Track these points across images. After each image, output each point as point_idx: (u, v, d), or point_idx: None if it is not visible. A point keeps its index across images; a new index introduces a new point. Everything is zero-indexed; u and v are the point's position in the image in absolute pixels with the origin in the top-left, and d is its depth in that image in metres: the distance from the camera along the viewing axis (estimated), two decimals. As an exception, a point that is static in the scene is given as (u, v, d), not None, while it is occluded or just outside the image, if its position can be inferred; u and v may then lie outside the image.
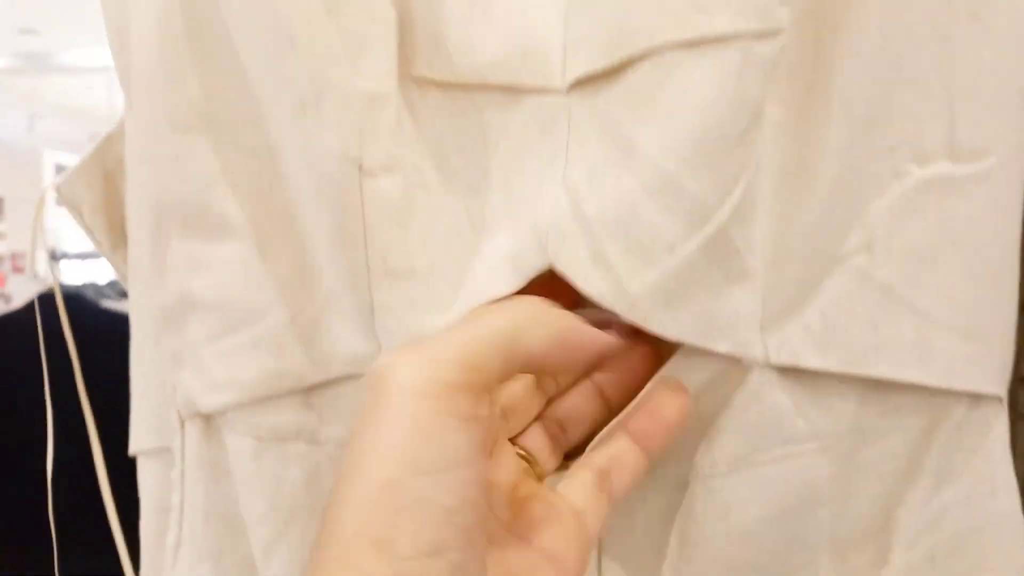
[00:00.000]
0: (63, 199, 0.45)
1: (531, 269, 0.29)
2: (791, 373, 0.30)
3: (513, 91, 0.30)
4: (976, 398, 0.32)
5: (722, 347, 0.29)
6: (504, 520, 0.26)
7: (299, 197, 0.33)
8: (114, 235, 0.46)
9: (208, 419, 0.36)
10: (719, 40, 0.27)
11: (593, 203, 0.28)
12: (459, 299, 0.30)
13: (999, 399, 0.32)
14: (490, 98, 0.31)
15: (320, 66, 0.31)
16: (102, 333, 0.96)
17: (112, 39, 0.36)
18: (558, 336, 0.25)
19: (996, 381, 0.32)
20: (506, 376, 0.25)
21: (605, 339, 0.27)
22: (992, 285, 0.31)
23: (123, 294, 1.68)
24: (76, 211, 0.45)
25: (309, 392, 0.34)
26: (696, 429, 0.31)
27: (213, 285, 0.34)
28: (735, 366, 0.30)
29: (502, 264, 0.30)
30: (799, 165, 0.29)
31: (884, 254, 0.30)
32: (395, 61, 0.32)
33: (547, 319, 0.26)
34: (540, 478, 0.29)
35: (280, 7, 0.31)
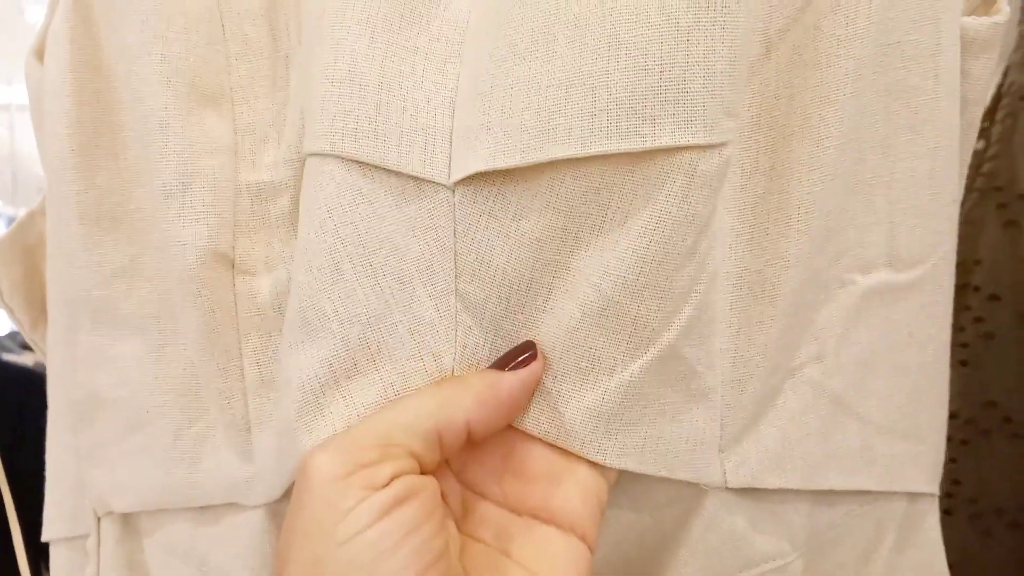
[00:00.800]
0: (-21, 276, 0.43)
1: None
2: (746, 491, 0.29)
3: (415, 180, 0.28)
4: (914, 497, 0.32)
5: (681, 475, 0.28)
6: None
7: (170, 295, 0.32)
8: (34, 313, 0.44)
9: (127, 518, 0.35)
10: (663, 155, 0.25)
11: (522, 330, 0.27)
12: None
13: (932, 496, 0.33)
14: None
15: (191, 156, 0.30)
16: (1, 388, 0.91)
17: (34, 123, 0.36)
18: (482, 397, 0.26)
19: (931, 480, 0.33)
20: (450, 445, 0.26)
21: (525, 380, 0.27)
22: (926, 387, 0.32)
23: (24, 346, 1.60)
24: (-7, 289, 0.43)
25: (200, 513, 0.33)
26: (656, 549, 0.30)
27: (116, 383, 0.33)
28: (689, 488, 0.29)
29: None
30: (758, 277, 0.29)
31: (834, 364, 0.30)
32: (297, 148, 0.30)
33: (469, 385, 0.27)
34: None
35: (153, 94, 0.30)
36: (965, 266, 0.55)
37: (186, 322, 0.31)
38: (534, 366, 0.27)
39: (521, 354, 0.27)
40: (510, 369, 0.27)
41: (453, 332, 0.27)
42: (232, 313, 0.31)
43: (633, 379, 0.27)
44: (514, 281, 0.27)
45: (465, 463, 0.28)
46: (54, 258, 0.36)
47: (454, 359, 0.27)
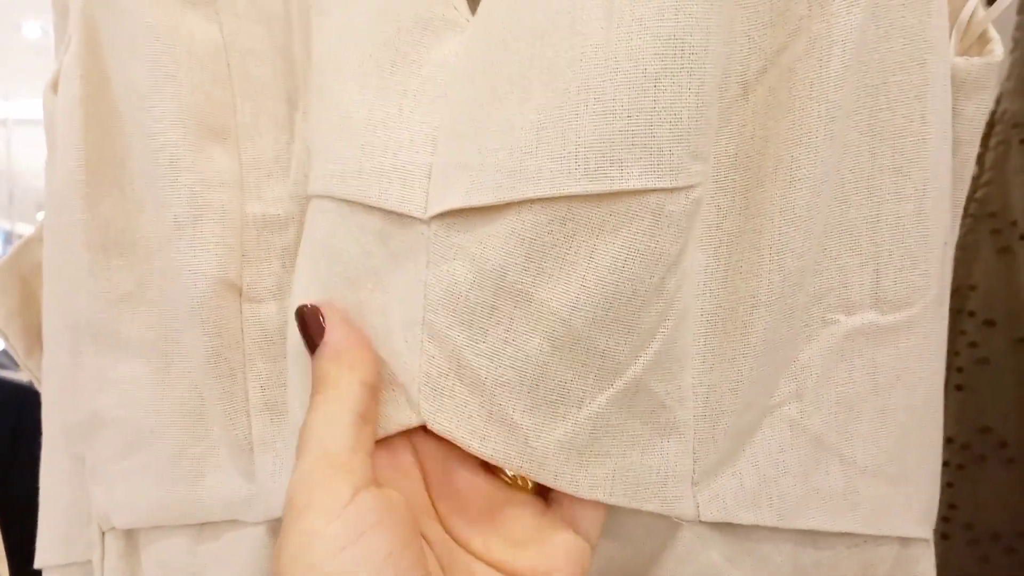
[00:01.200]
0: (-25, 303, 0.43)
1: (397, 427, 0.28)
2: (723, 526, 0.29)
3: (394, 215, 0.28)
4: (905, 542, 0.32)
5: (650, 506, 0.28)
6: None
7: (177, 322, 0.33)
8: (29, 340, 0.44)
9: (129, 533, 0.35)
10: (630, 195, 0.25)
11: (484, 360, 0.27)
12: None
13: (926, 541, 0.32)
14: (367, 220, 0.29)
15: (201, 189, 0.31)
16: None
17: (48, 150, 0.36)
18: (347, 360, 0.27)
19: (922, 524, 0.32)
20: (374, 407, 0.27)
21: (332, 318, 0.28)
22: (916, 430, 0.31)
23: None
24: (-11, 316, 0.43)
25: (200, 529, 0.33)
26: None
27: (117, 404, 0.34)
28: (664, 520, 0.29)
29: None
30: (730, 315, 0.29)
31: (813, 404, 0.30)
32: (303, 184, 0.31)
33: (331, 366, 0.27)
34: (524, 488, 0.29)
35: (164, 131, 0.31)
36: (960, 292, 0.56)
37: (192, 346, 0.32)
38: (317, 306, 0.28)
39: (306, 317, 0.28)
40: (321, 328, 0.27)
41: (417, 362, 0.27)
42: (238, 338, 0.31)
43: (601, 411, 0.27)
44: (476, 308, 0.27)
45: (451, 518, 0.28)
46: (55, 284, 0.36)
47: (418, 389, 0.27)
